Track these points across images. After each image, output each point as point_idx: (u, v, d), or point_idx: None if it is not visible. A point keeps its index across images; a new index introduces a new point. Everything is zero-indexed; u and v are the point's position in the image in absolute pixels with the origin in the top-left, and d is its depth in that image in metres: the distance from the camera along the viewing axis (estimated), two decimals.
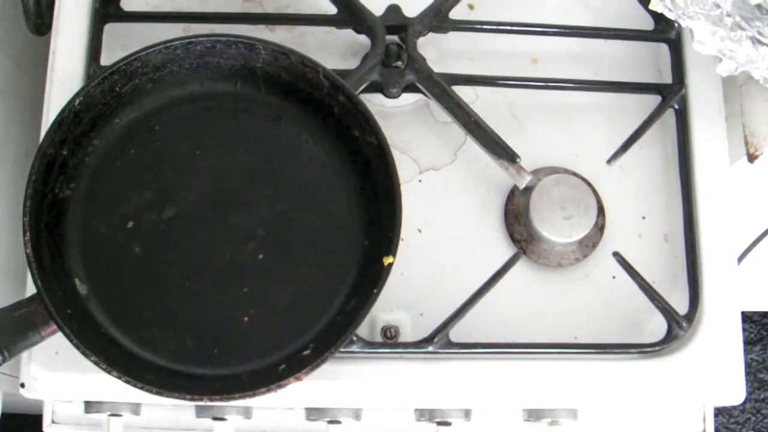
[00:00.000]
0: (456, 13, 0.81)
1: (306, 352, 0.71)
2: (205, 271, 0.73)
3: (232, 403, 0.73)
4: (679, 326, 0.75)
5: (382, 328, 0.76)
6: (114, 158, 0.74)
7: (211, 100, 0.76)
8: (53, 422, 0.78)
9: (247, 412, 0.75)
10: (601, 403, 0.77)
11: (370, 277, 0.71)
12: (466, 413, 0.76)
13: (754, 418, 1.55)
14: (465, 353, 0.75)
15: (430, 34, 0.80)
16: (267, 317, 0.72)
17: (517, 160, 0.77)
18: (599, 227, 0.79)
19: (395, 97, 0.79)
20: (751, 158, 0.80)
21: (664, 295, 0.76)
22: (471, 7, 0.84)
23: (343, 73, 0.76)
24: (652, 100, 0.81)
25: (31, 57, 0.95)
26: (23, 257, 0.68)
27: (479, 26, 0.82)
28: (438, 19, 0.80)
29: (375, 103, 0.80)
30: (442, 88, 0.78)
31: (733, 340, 0.76)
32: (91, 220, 0.73)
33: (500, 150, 0.77)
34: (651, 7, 0.76)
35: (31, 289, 0.70)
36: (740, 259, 0.83)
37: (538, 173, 0.78)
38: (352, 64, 0.79)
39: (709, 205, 0.78)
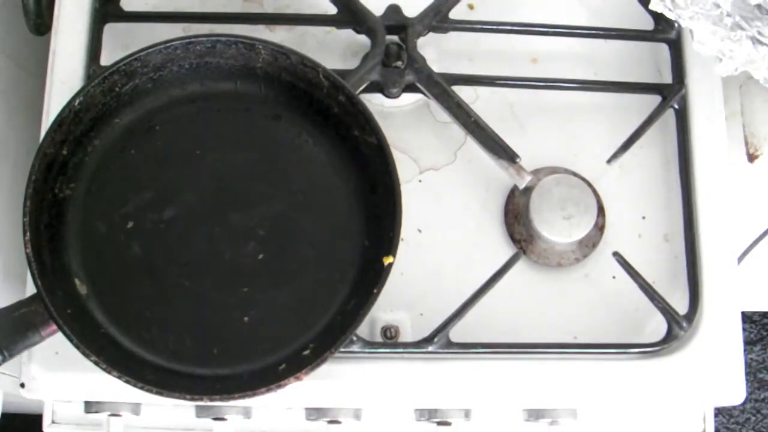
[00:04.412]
0: (456, 13, 0.81)
1: (306, 352, 0.71)
2: (205, 271, 0.73)
3: (232, 403, 0.73)
4: (679, 326, 0.75)
5: (382, 328, 0.76)
6: (114, 158, 0.75)
7: (211, 100, 0.76)
8: (53, 422, 0.78)
9: (247, 412, 0.75)
10: (601, 403, 0.77)
11: (370, 277, 0.71)
12: (466, 413, 0.76)
13: (754, 418, 1.55)
14: (465, 353, 0.75)
15: (430, 34, 0.80)
16: (267, 317, 0.72)
17: (517, 160, 0.77)
18: (599, 227, 0.79)
19: (395, 97, 0.79)
20: (751, 158, 0.80)
21: (664, 295, 0.76)
22: (471, 7, 0.84)
23: (343, 73, 0.76)
24: (652, 100, 0.81)
25: (31, 57, 0.94)
26: (23, 257, 0.68)
27: (479, 26, 0.82)
28: (438, 19, 0.80)
29: (375, 103, 0.80)
30: (442, 88, 0.78)
31: (733, 340, 0.76)
32: (91, 220, 0.73)
33: (500, 150, 0.77)
34: (651, 7, 0.76)
35: (31, 289, 0.70)
36: (740, 259, 0.83)
37: (538, 173, 0.78)
38: (352, 64, 0.79)
39: (709, 205, 0.78)
